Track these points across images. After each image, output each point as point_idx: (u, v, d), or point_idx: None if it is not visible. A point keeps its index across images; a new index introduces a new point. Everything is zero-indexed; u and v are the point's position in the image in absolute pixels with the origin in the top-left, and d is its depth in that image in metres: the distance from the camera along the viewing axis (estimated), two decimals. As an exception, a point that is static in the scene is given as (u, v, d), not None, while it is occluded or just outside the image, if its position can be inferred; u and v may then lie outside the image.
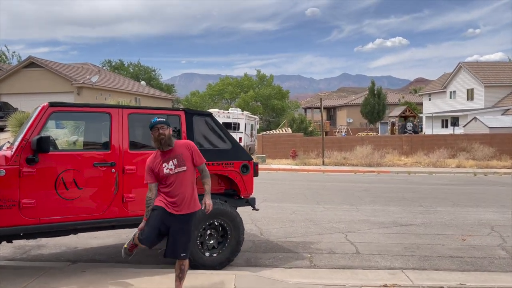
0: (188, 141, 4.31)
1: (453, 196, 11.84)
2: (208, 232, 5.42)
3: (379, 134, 34.48)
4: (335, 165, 19.77)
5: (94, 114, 5.17)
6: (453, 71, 38.67)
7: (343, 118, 52.77)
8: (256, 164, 6.07)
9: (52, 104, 4.80)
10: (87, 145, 5.66)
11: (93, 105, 5.11)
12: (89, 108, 5.07)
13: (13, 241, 4.83)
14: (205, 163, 4.24)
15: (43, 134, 4.59)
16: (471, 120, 26.59)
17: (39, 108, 4.81)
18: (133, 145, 5.19)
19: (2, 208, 4.42)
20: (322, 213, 9.26)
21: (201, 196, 4.31)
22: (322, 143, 20.03)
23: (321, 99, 21.15)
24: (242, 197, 5.96)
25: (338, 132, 43.79)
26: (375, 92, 40.49)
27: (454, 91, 38.63)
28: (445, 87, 39.64)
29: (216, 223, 5.42)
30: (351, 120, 47.55)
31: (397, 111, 32.11)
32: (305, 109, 63.62)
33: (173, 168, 3.99)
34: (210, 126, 5.79)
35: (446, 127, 35.36)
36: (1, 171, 4.42)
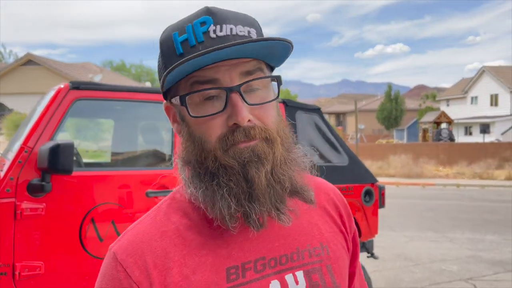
0: (330, 187, 0.93)
1: (541, 218, 9.80)
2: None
3: (400, 141, 32.43)
4: (371, 176, 17.72)
5: (143, 106, 3.05)
6: (475, 76, 36.85)
7: (354, 124, 50.85)
8: (382, 189, 3.96)
9: (75, 86, 2.68)
10: (127, 159, 3.49)
11: (143, 89, 2.99)
12: (137, 94, 2.94)
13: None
14: None
15: (62, 140, 2.47)
16: (511, 127, 24.60)
17: (53, 93, 2.68)
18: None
19: (-20, 282, 2.29)
20: (408, 245, 7.20)
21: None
22: (355, 152, 17.95)
23: (355, 101, 19.08)
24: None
25: (351, 138, 41.79)
26: (392, 97, 38.51)
27: (476, 97, 36.76)
28: (466, 92, 37.76)
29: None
30: (363, 127, 45.56)
31: (429, 117, 30.08)
32: (312, 114, 61.75)
33: None
34: (320, 128, 3.68)
35: (470, 134, 33.41)
36: (-21, 210, 2.30)
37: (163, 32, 0.75)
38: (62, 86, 2.67)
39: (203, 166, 0.71)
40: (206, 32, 0.69)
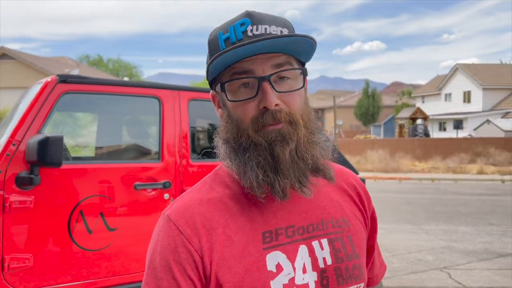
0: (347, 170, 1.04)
1: (511, 209, 10.21)
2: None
3: (377, 137, 33.00)
4: (349, 171, 18.02)
5: (130, 100, 3.08)
6: (449, 73, 37.74)
7: (332, 120, 51.39)
8: (363, 182, 4.08)
9: (62, 79, 2.69)
10: (113, 153, 3.50)
11: (132, 83, 3.03)
12: (126, 88, 2.97)
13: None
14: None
15: (51, 133, 2.48)
16: (483, 123, 25.37)
17: (40, 86, 2.69)
18: (195, 151, 3.15)
19: (-31, 275, 2.30)
20: (386, 237, 7.41)
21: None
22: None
23: (334, 97, 19.36)
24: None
25: (329, 134, 42.24)
26: (369, 93, 39.13)
27: (450, 94, 37.67)
28: (440, 90, 38.65)
29: None
30: (341, 122, 46.15)
31: (405, 113, 30.69)
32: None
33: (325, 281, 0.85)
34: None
35: (444, 130, 34.25)
36: (-33, 202, 2.30)
37: (211, 32, 0.87)
38: (49, 79, 2.68)
39: (238, 142, 0.83)
40: (245, 31, 0.82)
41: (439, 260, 6.03)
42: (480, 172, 18.13)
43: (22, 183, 2.44)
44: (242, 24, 0.82)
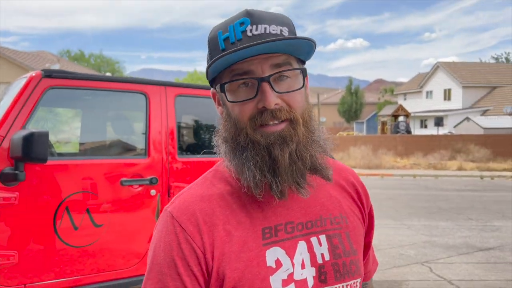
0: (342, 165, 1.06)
1: (489, 204, 10.50)
2: None
3: (360, 134, 33.35)
4: (332, 167, 18.18)
5: (117, 95, 3.05)
6: (430, 71, 38.35)
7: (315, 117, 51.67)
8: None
9: (47, 74, 2.66)
10: (99, 149, 3.46)
11: (116, 79, 3.01)
12: (111, 83, 2.94)
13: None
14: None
15: (36, 129, 2.45)
16: (463, 120, 25.89)
17: (24, 81, 2.65)
18: (181, 147, 3.15)
19: (-48, 272, 2.27)
20: (369, 231, 7.51)
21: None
22: (318, 143, 18.32)
23: (318, 94, 19.47)
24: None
25: (313, 131, 42.50)
26: (352, 90, 39.51)
27: (431, 91, 38.29)
28: (421, 87, 39.26)
29: None
30: (324, 119, 46.51)
31: (388, 110, 31.07)
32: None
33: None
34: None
35: (425, 127, 34.82)
36: (-51, 199, 2.26)
37: (211, 31, 0.87)
38: (34, 74, 2.64)
39: (236, 141, 0.84)
40: (244, 31, 0.81)
41: (420, 255, 6.16)
42: (460, 168, 18.51)
43: (6, 179, 2.40)
44: (241, 23, 0.81)
